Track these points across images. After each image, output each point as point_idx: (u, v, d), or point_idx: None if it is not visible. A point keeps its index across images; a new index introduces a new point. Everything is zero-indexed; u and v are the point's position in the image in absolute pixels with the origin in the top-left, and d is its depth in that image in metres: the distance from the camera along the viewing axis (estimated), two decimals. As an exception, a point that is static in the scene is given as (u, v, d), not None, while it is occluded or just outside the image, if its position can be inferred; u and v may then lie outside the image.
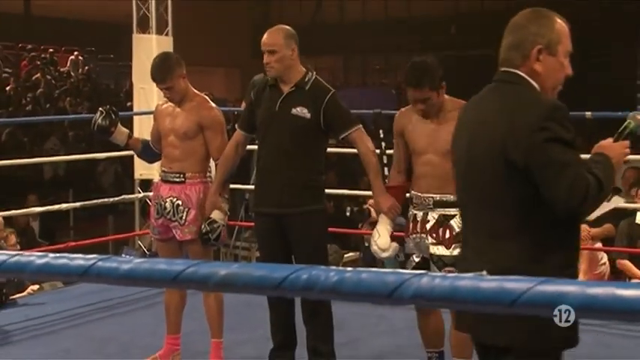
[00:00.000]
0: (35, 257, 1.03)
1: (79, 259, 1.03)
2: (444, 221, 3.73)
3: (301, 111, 3.93)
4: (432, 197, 3.74)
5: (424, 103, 3.69)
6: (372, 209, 7.17)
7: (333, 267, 0.96)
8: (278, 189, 3.98)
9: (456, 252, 3.71)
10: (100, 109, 4.45)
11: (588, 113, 6.05)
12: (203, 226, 4.12)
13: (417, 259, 3.82)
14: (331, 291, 0.89)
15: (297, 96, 3.95)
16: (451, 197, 3.72)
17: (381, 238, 3.83)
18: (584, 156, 2.44)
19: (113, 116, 4.39)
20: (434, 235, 3.73)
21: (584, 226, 6.83)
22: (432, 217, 3.74)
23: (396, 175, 3.94)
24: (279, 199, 3.98)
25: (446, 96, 3.75)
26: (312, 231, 4.01)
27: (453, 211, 3.73)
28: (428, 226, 3.74)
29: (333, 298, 0.94)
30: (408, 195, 3.92)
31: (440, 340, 3.93)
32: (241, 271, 0.94)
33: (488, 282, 0.90)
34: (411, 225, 3.82)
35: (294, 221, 3.98)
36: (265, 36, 3.97)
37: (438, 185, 3.73)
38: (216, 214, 4.12)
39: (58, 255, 1.04)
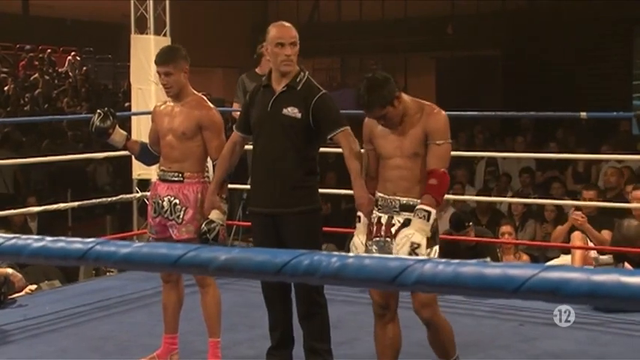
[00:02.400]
0: (32, 240, 1.02)
1: (77, 243, 1.01)
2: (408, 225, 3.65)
3: (292, 111, 3.93)
4: (399, 200, 3.67)
5: (383, 119, 3.65)
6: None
7: (335, 252, 0.95)
8: (271, 189, 3.99)
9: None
10: (99, 110, 4.44)
11: (583, 113, 6.06)
12: (202, 227, 4.11)
13: None
14: (333, 276, 0.88)
15: (289, 96, 3.95)
16: (417, 201, 3.65)
17: (363, 250, 3.77)
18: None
19: (111, 118, 4.38)
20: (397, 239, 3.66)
21: (581, 219, 6.80)
22: (398, 220, 3.67)
23: (369, 181, 3.85)
24: (272, 199, 3.99)
25: (406, 97, 3.71)
26: (306, 231, 4.01)
27: None
28: (393, 229, 3.67)
29: (335, 283, 0.93)
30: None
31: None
32: (242, 255, 0.93)
33: (491, 268, 0.89)
34: (374, 228, 3.74)
35: (288, 221, 3.98)
36: (282, 30, 3.96)
37: (405, 188, 3.67)
38: (214, 214, 4.12)
39: (55, 238, 1.03)
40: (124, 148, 4.54)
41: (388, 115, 3.62)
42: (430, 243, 3.63)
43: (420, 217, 3.57)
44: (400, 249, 3.59)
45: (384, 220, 3.71)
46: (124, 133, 4.47)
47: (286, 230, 4.00)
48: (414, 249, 3.56)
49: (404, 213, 3.66)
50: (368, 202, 3.78)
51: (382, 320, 3.83)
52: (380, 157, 3.78)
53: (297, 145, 3.96)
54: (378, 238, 3.72)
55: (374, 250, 3.75)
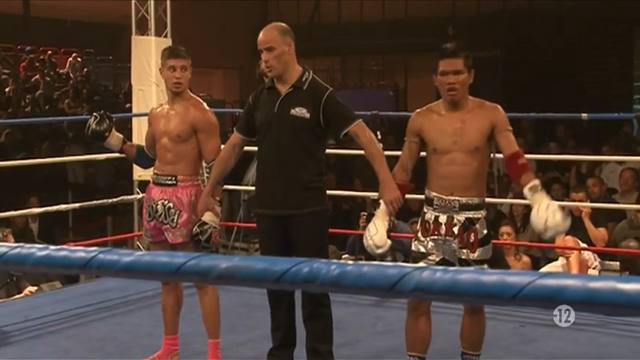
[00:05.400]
0: (36, 249, 1.03)
1: (80, 252, 1.02)
2: (469, 225, 3.71)
3: (300, 111, 3.93)
4: (458, 200, 3.70)
5: (456, 76, 3.67)
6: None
7: (335, 260, 0.96)
8: (280, 190, 3.98)
9: (483, 255, 3.73)
10: (94, 114, 4.44)
11: (584, 115, 6.06)
12: (194, 228, 4.11)
13: (436, 259, 3.76)
14: (332, 284, 0.89)
15: (296, 96, 3.95)
16: (476, 200, 3.73)
17: (378, 234, 3.73)
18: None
19: (107, 121, 4.39)
20: (459, 238, 3.71)
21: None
22: (458, 220, 3.71)
23: (402, 173, 3.87)
24: (280, 200, 3.98)
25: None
26: (314, 232, 4.01)
27: (478, 214, 3.73)
28: (455, 229, 3.71)
29: (334, 291, 0.94)
30: (424, 195, 3.85)
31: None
32: (243, 263, 0.94)
33: (489, 276, 0.90)
34: (432, 226, 3.75)
35: (296, 222, 3.97)
36: (261, 34, 3.96)
37: (463, 186, 3.70)
38: (207, 216, 4.11)
39: (59, 247, 1.04)
40: (121, 151, 4.54)
41: (462, 77, 3.68)
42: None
43: (538, 191, 3.62)
44: (554, 217, 3.52)
45: (443, 220, 3.73)
46: (120, 136, 4.48)
47: (295, 231, 3.99)
48: (556, 211, 3.58)
49: (464, 212, 3.70)
50: (394, 189, 3.79)
51: (416, 312, 3.84)
52: (433, 153, 3.77)
53: (305, 145, 3.96)
54: (435, 237, 3.74)
55: (429, 245, 3.77)
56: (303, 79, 3.97)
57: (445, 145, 3.72)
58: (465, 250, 3.72)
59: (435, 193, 3.76)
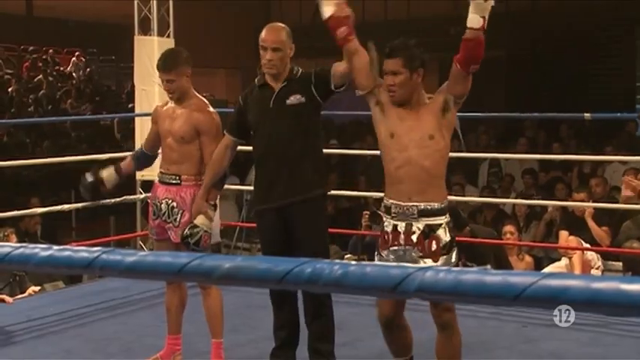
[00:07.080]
0: (39, 249, 1.03)
1: (83, 252, 1.03)
2: (429, 232, 3.50)
3: (295, 98, 3.98)
4: (417, 206, 3.49)
5: (394, 76, 3.49)
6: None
7: (337, 260, 0.96)
8: (282, 179, 3.98)
9: (446, 264, 3.51)
10: (81, 180, 4.43)
11: (587, 115, 6.05)
12: (185, 231, 4.11)
13: None
14: (335, 284, 0.89)
15: (290, 88, 4.00)
16: (435, 205, 3.51)
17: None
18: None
19: (91, 175, 4.39)
20: (420, 247, 3.51)
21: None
22: (417, 227, 3.49)
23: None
24: (282, 189, 3.98)
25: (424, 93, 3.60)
26: (316, 216, 4.04)
27: (438, 220, 3.51)
28: (414, 237, 3.51)
29: (337, 291, 0.94)
30: (383, 205, 3.66)
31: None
32: (246, 264, 0.94)
33: (492, 276, 0.90)
34: (390, 236, 3.56)
35: (298, 209, 3.99)
36: (267, 33, 3.97)
37: (420, 190, 3.50)
38: (200, 220, 4.10)
39: (62, 247, 1.04)
40: (121, 175, 4.49)
41: (399, 79, 3.49)
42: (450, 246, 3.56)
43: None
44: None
45: (401, 229, 3.52)
46: (112, 170, 4.43)
47: (296, 218, 4.00)
48: None
49: (423, 219, 3.50)
50: None
51: (389, 328, 3.73)
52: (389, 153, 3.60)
53: (304, 131, 3.99)
54: (395, 247, 3.55)
55: (391, 260, 3.58)
56: (294, 72, 4.01)
57: (400, 143, 3.54)
58: (427, 260, 3.50)
59: (392, 201, 3.56)
